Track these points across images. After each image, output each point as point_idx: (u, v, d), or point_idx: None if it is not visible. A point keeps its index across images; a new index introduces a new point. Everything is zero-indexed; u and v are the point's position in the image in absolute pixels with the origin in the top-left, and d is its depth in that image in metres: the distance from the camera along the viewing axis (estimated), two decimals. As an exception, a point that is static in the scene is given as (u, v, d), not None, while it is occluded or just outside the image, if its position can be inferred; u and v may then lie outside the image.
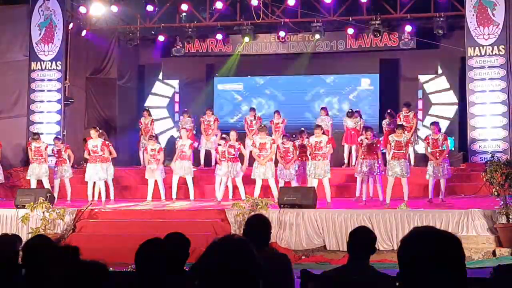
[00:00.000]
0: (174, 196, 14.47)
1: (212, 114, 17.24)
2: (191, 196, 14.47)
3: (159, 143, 15.01)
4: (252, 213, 10.41)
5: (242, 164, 14.15)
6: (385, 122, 16.44)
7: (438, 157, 13.10)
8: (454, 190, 14.48)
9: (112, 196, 14.42)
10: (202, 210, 13.07)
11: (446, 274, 2.09)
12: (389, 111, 16.71)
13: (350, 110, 17.07)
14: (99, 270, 2.95)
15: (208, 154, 17.03)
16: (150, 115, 17.53)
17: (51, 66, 17.38)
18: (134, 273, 4.05)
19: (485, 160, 14.38)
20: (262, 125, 14.71)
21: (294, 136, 14.76)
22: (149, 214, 13.00)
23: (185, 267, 4.79)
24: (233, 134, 14.28)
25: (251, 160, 14.19)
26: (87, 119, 18.89)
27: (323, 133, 13.88)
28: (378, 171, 13.24)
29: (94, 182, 14.15)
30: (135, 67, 20.70)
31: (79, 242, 11.77)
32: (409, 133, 15.66)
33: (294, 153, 13.62)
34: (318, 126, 14.06)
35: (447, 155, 13.36)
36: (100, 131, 15.03)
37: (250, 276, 2.25)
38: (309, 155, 13.48)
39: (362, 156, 13.38)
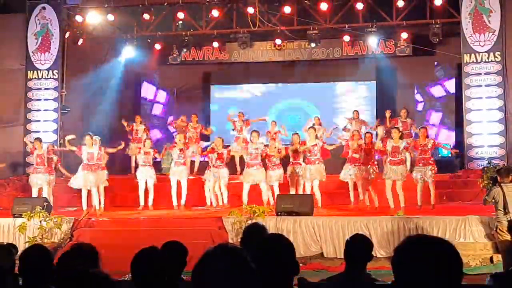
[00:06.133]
0: (183, 202, 14.43)
1: (197, 122, 17.41)
2: (183, 201, 14.42)
3: (152, 147, 14.99)
4: (249, 222, 10.42)
5: (228, 170, 14.22)
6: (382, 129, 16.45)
7: (423, 162, 12.97)
8: (451, 196, 14.46)
9: (102, 204, 14.29)
10: (199, 218, 13.04)
11: (441, 282, 2.08)
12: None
13: (356, 111, 17.19)
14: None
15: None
16: (141, 122, 17.52)
17: (47, 75, 17.41)
18: (130, 282, 4.04)
19: (482, 166, 14.44)
20: (254, 130, 14.73)
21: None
22: (146, 222, 12.97)
23: (182, 276, 4.82)
24: (219, 141, 14.30)
25: (241, 166, 14.19)
26: (84, 127, 18.83)
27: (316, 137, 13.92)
28: (372, 176, 13.25)
29: (88, 190, 14.04)
30: (132, 75, 20.67)
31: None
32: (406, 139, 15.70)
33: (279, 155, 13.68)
34: (311, 127, 14.10)
35: (432, 160, 13.18)
36: (97, 139, 14.95)
37: (246, 285, 2.24)
38: (303, 161, 13.53)
39: (358, 157, 13.44)
